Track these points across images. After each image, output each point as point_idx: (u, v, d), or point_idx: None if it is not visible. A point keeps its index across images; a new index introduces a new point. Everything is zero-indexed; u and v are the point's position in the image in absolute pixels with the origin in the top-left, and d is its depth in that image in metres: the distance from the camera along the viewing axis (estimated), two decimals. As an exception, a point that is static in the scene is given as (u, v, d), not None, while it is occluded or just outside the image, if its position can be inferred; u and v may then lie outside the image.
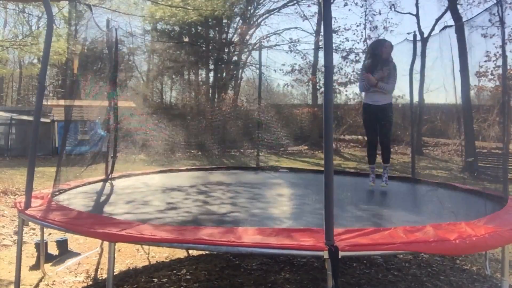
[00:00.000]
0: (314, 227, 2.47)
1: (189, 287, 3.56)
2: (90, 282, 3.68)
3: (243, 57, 22.57)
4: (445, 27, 5.77)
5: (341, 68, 19.02)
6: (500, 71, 12.99)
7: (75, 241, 4.77)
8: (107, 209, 3.46)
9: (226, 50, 22.02)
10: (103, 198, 4.11)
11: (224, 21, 20.71)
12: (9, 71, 15.08)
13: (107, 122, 5.28)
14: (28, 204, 3.13)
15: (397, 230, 2.42)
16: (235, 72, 22.28)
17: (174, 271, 3.93)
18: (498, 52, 12.51)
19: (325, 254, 2.12)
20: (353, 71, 19.05)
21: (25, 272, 3.73)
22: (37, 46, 10.08)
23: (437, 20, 16.94)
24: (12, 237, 4.97)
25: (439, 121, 18.40)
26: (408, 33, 16.58)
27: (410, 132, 8.60)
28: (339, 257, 2.11)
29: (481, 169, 11.53)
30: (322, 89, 3.31)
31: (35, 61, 19.19)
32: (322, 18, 2.38)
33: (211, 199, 4.06)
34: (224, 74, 21.65)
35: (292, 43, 20.81)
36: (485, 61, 13.27)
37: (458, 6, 13.62)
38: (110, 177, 5.03)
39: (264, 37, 22.14)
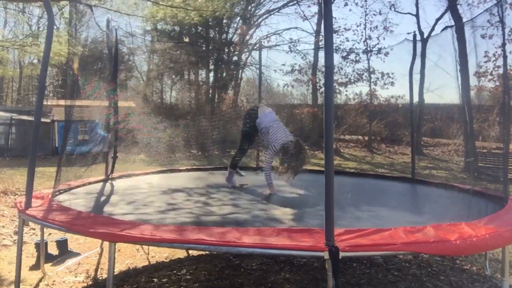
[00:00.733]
0: (314, 228, 2.47)
1: (189, 287, 3.56)
2: (90, 282, 3.68)
3: (243, 57, 22.56)
4: (446, 27, 5.78)
5: (341, 68, 19.05)
6: (500, 71, 13.00)
7: (75, 241, 4.77)
8: (107, 209, 3.46)
9: (226, 50, 22.00)
10: (103, 198, 4.11)
11: (224, 21, 20.70)
12: (9, 72, 15.04)
13: (107, 122, 5.29)
14: (28, 204, 3.13)
15: (397, 231, 2.41)
16: (235, 72, 22.26)
17: (174, 271, 3.93)
18: (497, 52, 12.53)
19: (326, 255, 2.12)
20: (353, 71, 19.12)
21: (25, 272, 3.73)
22: (38, 47, 10.07)
23: (437, 20, 16.99)
24: (12, 237, 4.97)
25: (439, 121, 18.40)
26: (408, 33, 16.69)
27: (410, 132, 8.60)
28: (340, 257, 2.11)
29: (481, 169, 11.53)
30: (322, 89, 3.31)
31: (35, 61, 19.19)
32: (322, 18, 2.38)
33: (211, 199, 4.06)
34: (224, 74, 21.63)
35: (292, 43, 20.81)
36: (485, 62, 13.27)
37: (458, 7, 13.64)
38: (110, 177, 5.03)
39: (264, 37, 22.17)
